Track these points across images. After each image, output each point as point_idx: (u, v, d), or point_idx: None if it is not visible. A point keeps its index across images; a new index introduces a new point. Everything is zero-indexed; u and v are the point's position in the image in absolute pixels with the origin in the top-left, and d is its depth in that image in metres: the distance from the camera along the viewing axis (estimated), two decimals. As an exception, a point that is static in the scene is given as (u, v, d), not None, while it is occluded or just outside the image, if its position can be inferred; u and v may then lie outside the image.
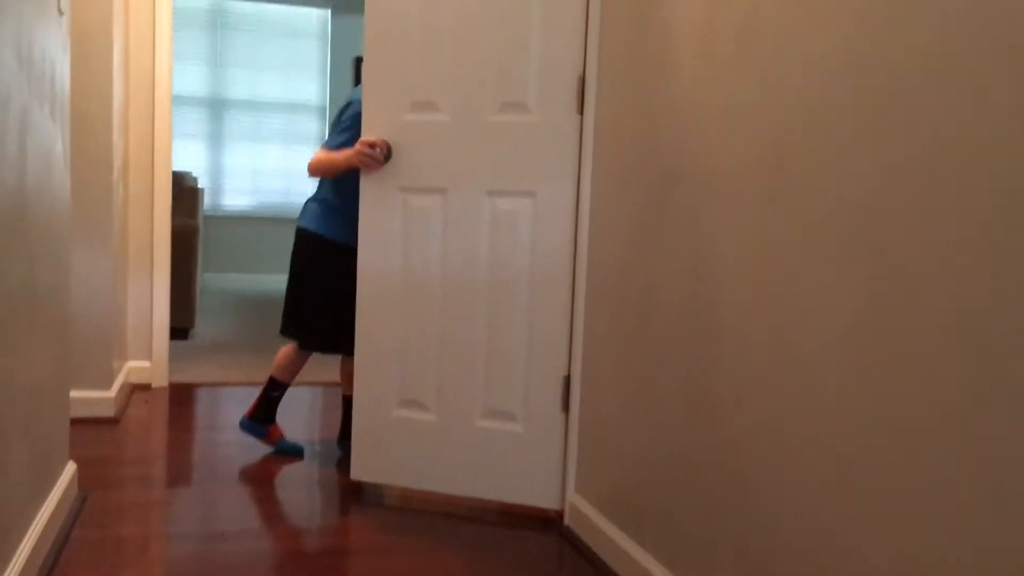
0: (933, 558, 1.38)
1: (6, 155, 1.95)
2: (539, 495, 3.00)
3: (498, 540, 2.80)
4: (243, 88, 9.83)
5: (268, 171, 10.02)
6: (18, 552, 2.14)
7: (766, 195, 1.88)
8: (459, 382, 3.04)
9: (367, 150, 3.03)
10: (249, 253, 9.90)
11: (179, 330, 5.64)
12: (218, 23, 9.67)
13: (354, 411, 3.17)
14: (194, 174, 7.97)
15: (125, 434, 3.78)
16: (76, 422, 3.26)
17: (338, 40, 9.75)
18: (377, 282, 3.09)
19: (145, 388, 4.57)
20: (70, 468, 2.84)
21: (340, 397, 3.73)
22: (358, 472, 3.19)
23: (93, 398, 3.88)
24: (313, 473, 3.41)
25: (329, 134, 3.39)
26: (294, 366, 3.53)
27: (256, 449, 3.62)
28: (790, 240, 1.79)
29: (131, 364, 4.57)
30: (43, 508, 2.44)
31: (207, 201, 9.68)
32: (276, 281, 8.12)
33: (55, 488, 2.60)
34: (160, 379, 4.63)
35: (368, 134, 3.06)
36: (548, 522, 2.97)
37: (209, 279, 9.46)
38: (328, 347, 3.46)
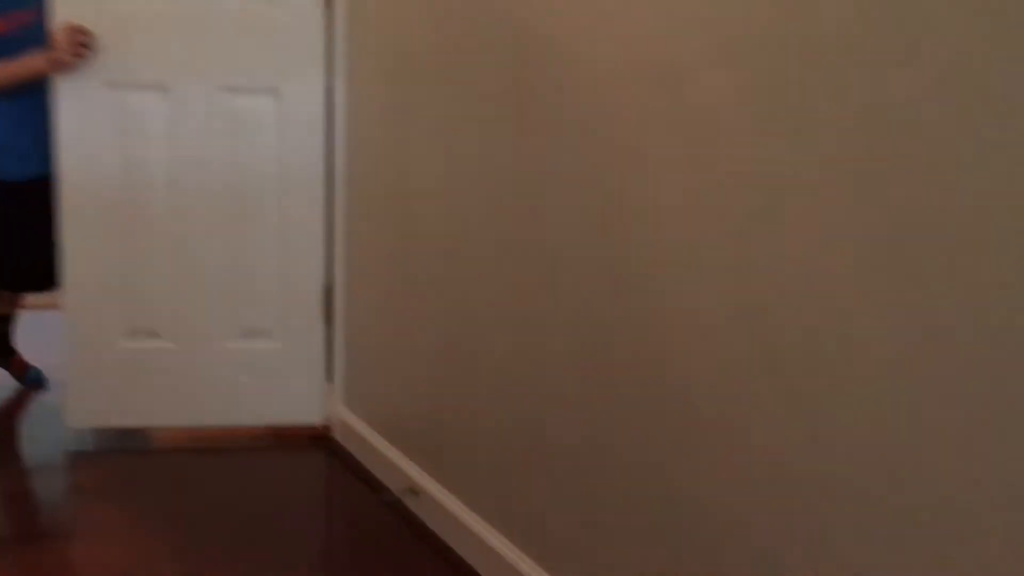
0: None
1: None
2: (304, 412, 2.84)
3: (260, 465, 2.64)
4: None
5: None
6: None
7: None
8: (200, 302, 2.73)
9: (82, 40, 2.48)
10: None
11: None
12: None
13: (68, 348, 2.71)
14: None
15: None
16: None
17: None
18: (86, 200, 2.62)
19: None
20: None
21: None
22: (79, 418, 2.74)
23: None
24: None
25: None
26: None
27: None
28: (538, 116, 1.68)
29: None
30: None
31: None
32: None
33: None
34: None
35: (59, 17, 2.50)
36: (317, 439, 2.84)
37: None
38: None
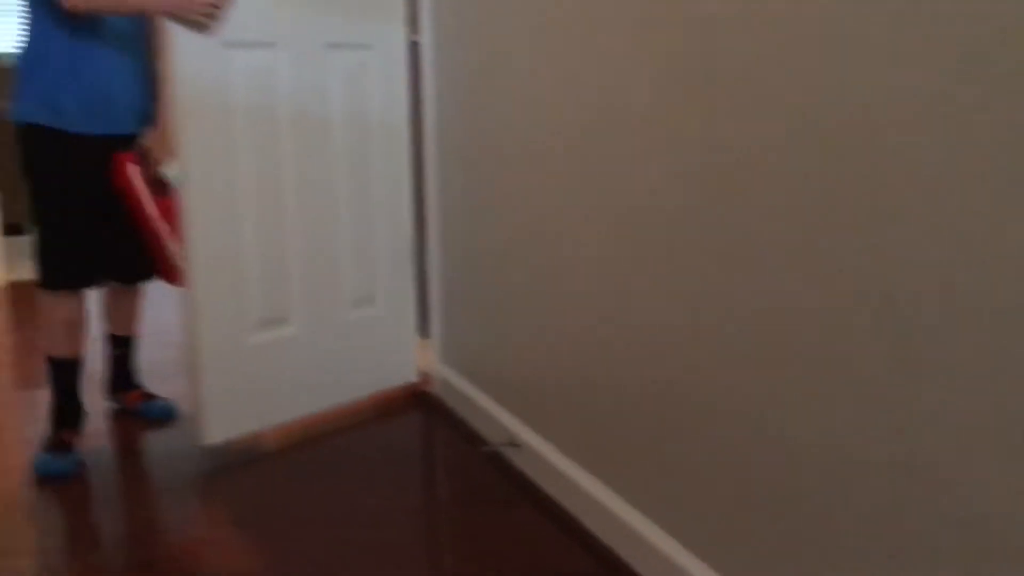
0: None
1: None
2: (403, 372, 2.82)
3: (369, 434, 2.57)
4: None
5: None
6: None
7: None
8: (325, 277, 2.56)
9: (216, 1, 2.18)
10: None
11: (12, 226, 4.98)
12: None
13: (194, 356, 2.34)
14: None
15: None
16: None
17: None
18: (208, 180, 2.28)
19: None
20: None
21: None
22: (217, 431, 2.38)
23: None
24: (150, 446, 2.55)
25: None
26: (66, 326, 2.36)
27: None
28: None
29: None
30: None
31: None
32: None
33: None
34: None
35: None
36: (415, 396, 2.83)
37: None
38: (86, 277, 2.38)
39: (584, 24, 1.85)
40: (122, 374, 2.70)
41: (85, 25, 2.19)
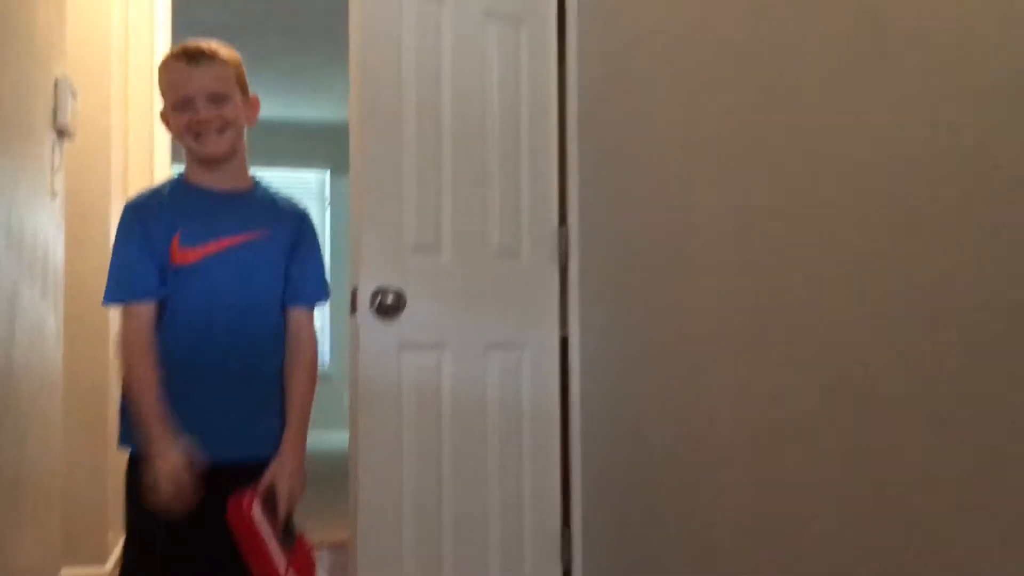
0: None
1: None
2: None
3: None
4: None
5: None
6: None
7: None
8: (471, 552, 2.74)
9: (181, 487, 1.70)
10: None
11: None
12: (220, 190, 9.87)
13: None
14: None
15: (120, 611, 3.57)
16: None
17: (337, 200, 9.99)
18: (384, 454, 2.59)
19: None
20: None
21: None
22: None
23: (87, 575, 3.76)
24: None
25: None
26: None
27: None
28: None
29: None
30: None
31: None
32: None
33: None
34: (157, 550, 4.41)
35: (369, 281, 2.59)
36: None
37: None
38: None
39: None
40: None
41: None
